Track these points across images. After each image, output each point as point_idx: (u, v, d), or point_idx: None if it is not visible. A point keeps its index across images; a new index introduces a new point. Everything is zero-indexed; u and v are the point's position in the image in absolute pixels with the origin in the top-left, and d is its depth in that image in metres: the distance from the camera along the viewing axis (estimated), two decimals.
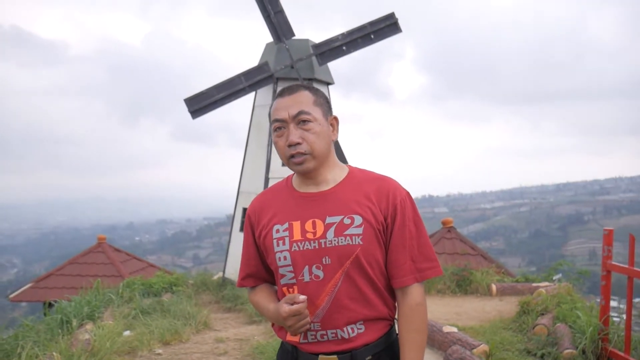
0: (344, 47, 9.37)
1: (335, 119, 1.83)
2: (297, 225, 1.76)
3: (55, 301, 6.43)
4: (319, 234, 1.73)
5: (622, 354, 4.19)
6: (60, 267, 11.94)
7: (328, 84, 10.33)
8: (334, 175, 1.82)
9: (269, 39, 9.66)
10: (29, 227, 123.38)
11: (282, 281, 1.79)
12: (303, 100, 1.74)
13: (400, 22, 9.44)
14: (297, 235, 1.75)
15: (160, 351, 5.32)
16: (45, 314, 6.43)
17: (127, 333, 5.72)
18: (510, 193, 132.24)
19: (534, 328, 5.49)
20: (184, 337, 5.80)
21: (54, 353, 4.43)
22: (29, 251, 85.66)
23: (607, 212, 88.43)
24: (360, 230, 1.71)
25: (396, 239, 1.75)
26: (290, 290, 1.77)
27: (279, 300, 1.83)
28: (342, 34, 9.37)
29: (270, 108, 1.81)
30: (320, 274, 1.72)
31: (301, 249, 1.73)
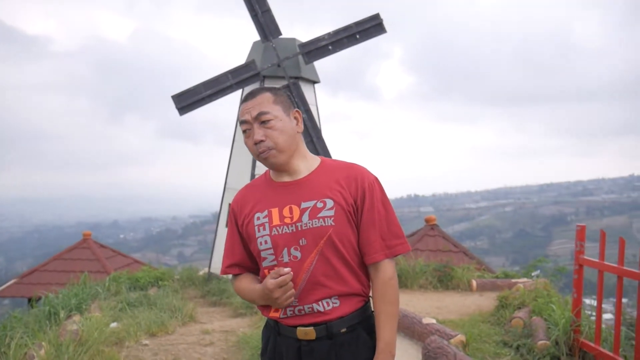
0: (330, 47, 9.51)
1: (298, 112, 2.00)
2: (275, 211, 1.93)
3: (45, 295, 6.48)
4: (295, 218, 1.90)
5: (592, 344, 4.35)
6: (45, 263, 11.90)
7: (314, 82, 10.46)
8: (306, 165, 1.99)
9: (256, 37, 9.77)
10: (12, 225, 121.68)
11: (264, 264, 1.95)
12: (263, 101, 1.92)
13: (388, 22, 9.60)
14: (276, 220, 1.92)
15: (147, 342, 5.42)
16: (32, 307, 6.48)
17: (114, 325, 5.80)
18: (494, 193, 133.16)
19: (510, 321, 5.65)
20: (170, 329, 5.90)
21: (43, 343, 4.51)
22: (11, 249, 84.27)
23: (589, 212, 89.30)
24: (332, 213, 1.88)
25: (366, 219, 1.92)
26: (272, 271, 1.91)
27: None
28: (328, 34, 9.50)
29: (238, 113, 1.99)
30: (298, 254, 1.88)
31: (280, 232, 1.90)
